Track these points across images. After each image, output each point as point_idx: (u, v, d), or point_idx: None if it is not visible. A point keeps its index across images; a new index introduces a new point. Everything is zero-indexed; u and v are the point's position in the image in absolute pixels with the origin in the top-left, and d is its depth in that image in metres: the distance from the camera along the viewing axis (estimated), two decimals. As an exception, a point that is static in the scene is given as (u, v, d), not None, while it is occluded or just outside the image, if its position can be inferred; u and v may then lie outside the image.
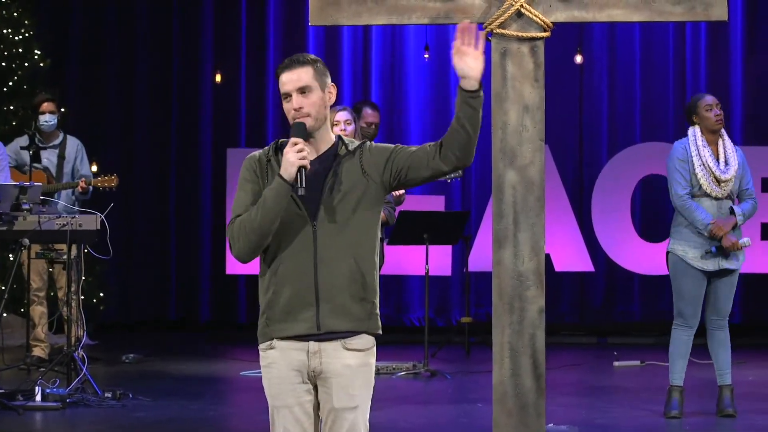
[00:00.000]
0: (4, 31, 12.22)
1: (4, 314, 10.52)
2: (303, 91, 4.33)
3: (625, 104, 13.45)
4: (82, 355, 8.96)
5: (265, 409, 4.42)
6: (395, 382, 10.08)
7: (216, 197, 13.64)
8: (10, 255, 9.68)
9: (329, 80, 4.40)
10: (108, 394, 8.77)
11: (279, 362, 4.33)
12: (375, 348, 4.41)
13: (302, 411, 4.34)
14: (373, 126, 9.36)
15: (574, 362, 11.43)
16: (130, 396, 8.87)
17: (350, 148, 4.39)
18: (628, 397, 9.33)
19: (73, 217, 9.10)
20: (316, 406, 4.37)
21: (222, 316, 13.81)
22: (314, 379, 4.33)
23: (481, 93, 4.25)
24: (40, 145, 10.48)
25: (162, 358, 11.51)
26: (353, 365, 4.31)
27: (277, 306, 4.32)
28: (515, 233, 5.96)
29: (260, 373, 4.42)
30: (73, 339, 9.12)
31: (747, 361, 10.60)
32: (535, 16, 5.92)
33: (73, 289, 9.37)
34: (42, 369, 9.47)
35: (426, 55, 13.16)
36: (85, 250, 9.45)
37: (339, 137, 4.44)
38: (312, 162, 4.34)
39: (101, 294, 12.54)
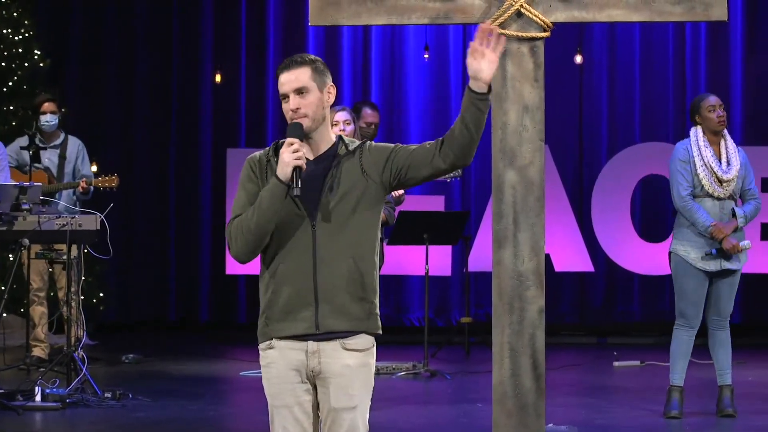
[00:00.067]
0: (4, 31, 12.22)
1: (4, 314, 10.52)
2: (300, 91, 4.32)
3: (625, 104, 13.45)
4: (82, 356, 8.96)
5: (264, 409, 4.42)
6: (395, 382, 10.08)
7: (216, 197, 13.64)
8: (10, 255, 9.68)
9: (329, 80, 4.39)
10: (108, 395, 8.77)
11: (278, 362, 4.33)
12: (375, 348, 4.40)
13: (301, 411, 4.34)
14: (373, 126, 9.36)
15: (574, 362, 11.43)
16: (130, 396, 8.87)
17: (350, 147, 4.38)
18: (628, 398, 9.33)
19: (72, 217, 9.10)
20: (316, 406, 4.37)
21: (222, 316, 13.81)
22: (313, 379, 4.33)
23: (489, 96, 4.23)
24: (41, 145, 10.48)
25: (162, 359, 11.51)
26: (352, 365, 4.31)
27: (277, 306, 4.32)
28: (515, 233, 5.96)
29: (260, 373, 4.42)
30: (72, 339, 9.12)
31: (747, 361, 10.60)
32: (535, 16, 5.92)
33: (73, 289, 9.37)
34: (42, 369, 9.46)
35: (426, 56, 13.16)
36: (85, 250, 9.45)
37: (339, 137, 4.43)
38: (311, 162, 4.34)
39: (101, 294, 12.54)
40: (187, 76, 13.76)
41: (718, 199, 8.18)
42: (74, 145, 10.78)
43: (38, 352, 10.37)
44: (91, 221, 9.07)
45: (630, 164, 13.10)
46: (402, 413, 8.60)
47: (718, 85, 12.90)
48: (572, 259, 13.07)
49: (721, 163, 8.17)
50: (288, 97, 4.33)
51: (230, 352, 11.92)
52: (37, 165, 10.34)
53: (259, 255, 4.37)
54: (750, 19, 13.33)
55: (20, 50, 12.27)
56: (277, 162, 4.30)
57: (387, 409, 8.53)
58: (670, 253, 8.30)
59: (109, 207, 9.24)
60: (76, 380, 8.80)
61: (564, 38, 12.48)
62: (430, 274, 10.82)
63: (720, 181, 8.15)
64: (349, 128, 7.98)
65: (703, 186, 8.13)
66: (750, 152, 8.52)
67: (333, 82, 4.43)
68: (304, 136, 4.31)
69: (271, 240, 4.31)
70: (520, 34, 5.88)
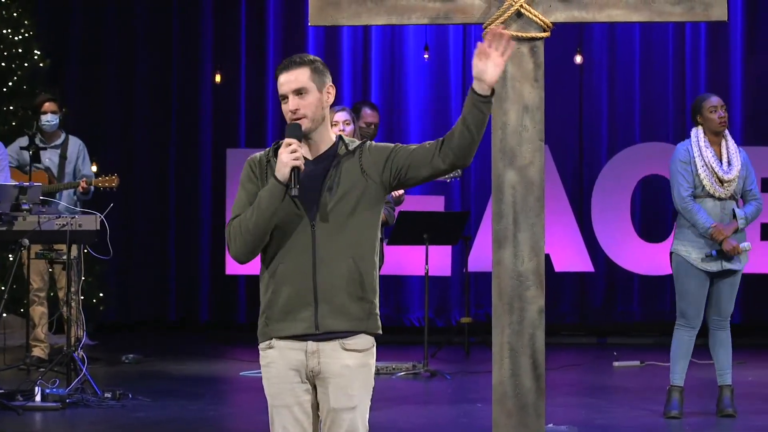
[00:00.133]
0: (4, 31, 12.22)
1: (4, 314, 10.52)
2: (299, 92, 4.32)
3: (625, 104, 13.45)
4: (82, 356, 8.96)
5: (264, 409, 4.43)
6: (395, 382, 10.08)
7: (216, 197, 13.64)
8: (10, 255, 9.68)
9: (328, 80, 4.38)
10: (108, 395, 8.77)
11: (278, 362, 4.33)
12: (375, 348, 4.40)
13: (301, 410, 4.34)
14: (373, 126, 9.36)
15: (574, 362, 11.43)
16: (130, 396, 8.87)
17: (350, 147, 4.38)
18: (628, 398, 9.33)
19: (72, 218, 9.10)
20: (316, 406, 4.37)
21: (222, 316, 13.81)
22: (313, 379, 4.33)
23: (492, 99, 4.23)
24: (42, 145, 10.48)
25: (162, 359, 11.51)
26: (352, 366, 4.31)
27: (276, 306, 4.32)
28: (515, 233, 5.96)
29: (260, 373, 4.43)
30: (72, 339, 9.12)
31: (747, 361, 10.60)
32: (535, 16, 5.92)
33: (73, 289, 9.37)
34: (42, 369, 9.46)
35: (426, 56, 13.16)
36: (85, 251, 9.45)
37: (339, 137, 4.43)
38: (311, 162, 4.34)
39: (101, 294, 12.54)
40: (187, 76, 13.77)
41: (719, 199, 8.18)
42: (75, 145, 10.78)
43: (38, 352, 10.37)
44: (91, 221, 9.07)
45: (630, 164, 13.10)
46: (402, 413, 8.60)
47: (717, 85, 12.90)
48: (572, 259, 13.07)
49: (722, 163, 8.18)
50: (287, 98, 4.33)
51: (230, 352, 11.92)
52: (37, 165, 10.35)
53: (260, 255, 4.37)
54: (750, 19, 13.33)
55: (20, 50, 12.27)
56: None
57: (387, 409, 8.53)
58: (671, 253, 8.30)
59: (109, 207, 9.24)
60: (76, 380, 8.80)
61: (564, 38, 12.48)
62: (430, 274, 10.82)
63: (721, 182, 8.15)
64: (349, 128, 7.98)
65: (704, 186, 8.13)
66: (750, 152, 8.52)
67: (333, 82, 4.43)
68: (303, 136, 4.30)
69: (271, 240, 4.31)
70: (520, 34, 5.88)
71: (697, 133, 8.24)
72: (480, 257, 12.36)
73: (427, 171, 4.32)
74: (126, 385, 9.31)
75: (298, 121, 4.30)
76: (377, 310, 4.38)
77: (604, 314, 13.48)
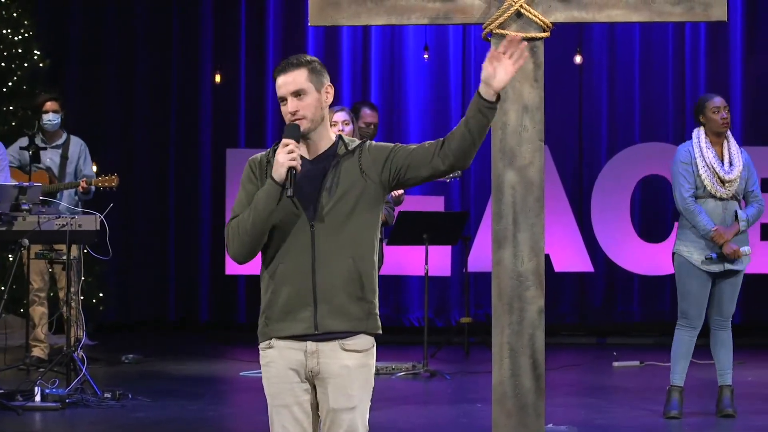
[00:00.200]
0: (4, 31, 12.22)
1: (4, 314, 10.52)
2: (298, 94, 4.32)
3: (625, 104, 13.45)
4: (82, 356, 8.96)
5: (264, 409, 4.43)
6: (395, 382, 10.09)
7: (215, 197, 13.64)
8: (10, 255, 9.68)
9: (326, 80, 4.38)
10: (107, 395, 8.76)
11: (277, 361, 4.33)
12: (375, 348, 4.40)
13: (301, 410, 4.34)
14: (372, 126, 9.36)
15: (574, 362, 11.43)
16: (130, 396, 8.87)
17: (350, 147, 4.38)
18: (628, 398, 9.33)
19: (72, 218, 9.10)
20: (316, 406, 4.37)
21: (221, 316, 13.81)
22: (312, 379, 4.34)
23: (497, 105, 4.22)
24: (43, 144, 10.49)
25: (161, 359, 11.51)
26: (351, 366, 4.31)
27: (276, 306, 4.32)
28: (515, 233, 5.96)
29: (260, 373, 4.43)
30: (72, 339, 9.12)
31: (747, 361, 10.60)
32: (535, 16, 5.92)
33: (72, 289, 9.37)
34: (41, 369, 9.46)
35: (425, 56, 13.16)
36: (85, 251, 9.45)
37: (339, 137, 4.43)
38: (311, 162, 4.34)
39: (101, 294, 12.53)
40: (187, 76, 13.77)
41: (721, 199, 8.19)
42: (76, 145, 10.78)
43: (38, 352, 10.37)
44: (91, 221, 9.07)
45: (630, 164, 13.10)
46: (402, 413, 8.60)
47: (717, 85, 12.90)
48: (572, 259, 13.07)
49: (723, 163, 8.18)
50: (286, 99, 4.33)
51: (230, 352, 11.92)
52: (38, 165, 10.35)
53: (260, 255, 4.37)
54: (750, 19, 13.33)
55: (20, 50, 12.27)
56: (276, 163, 4.30)
57: (387, 409, 8.53)
58: (673, 254, 8.31)
59: (108, 207, 9.24)
60: (76, 380, 8.80)
61: (564, 38, 12.48)
62: (429, 274, 10.82)
63: (722, 182, 8.15)
64: (348, 128, 7.99)
65: (705, 187, 8.14)
66: (750, 152, 8.52)
67: (332, 82, 4.43)
68: (301, 137, 4.31)
69: (271, 240, 4.31)
70: (519, 34, 5.87)
71: (699, 134, 8.24)
72: (480, 257, 12.36)
73: (426, 171, 4.32)
74: (126, 385, 9.31)
75: (297, 122, 4.30)
76: (377, 310, 4.38)
77: (603, 314, 13.48)
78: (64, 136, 10.78)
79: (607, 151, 13.40)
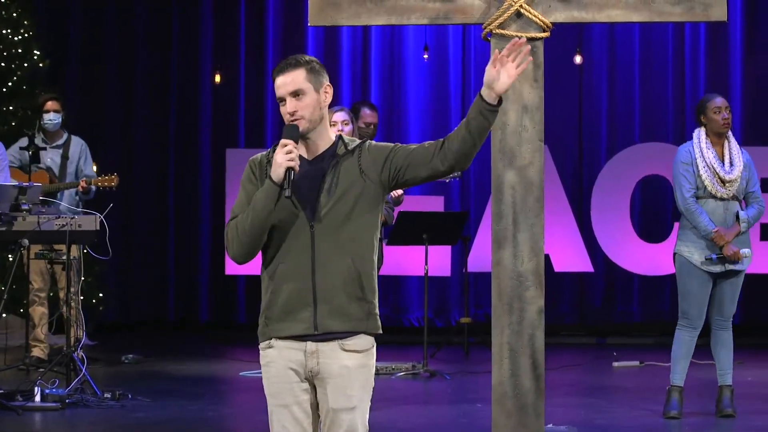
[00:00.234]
0: (4, 31, 12.22)
1: (4, 314, 10.52)
2: (296, 94, 4.32)
3: (625, 104, 13.45)
4: (82, 356, 8.96)
5: (264, 409, 4.43)
6: (394, 382, 10.09)
7: (215, 197, 13.65)
8: (10, 255, 9.68)
9: (325, 80, 4.38)
10: (107, 395, 8.76)
11: (277, 361, 4.34)
12: (375, 348, 4.40)
13: (301, 410, 4.34)
14: (372, 126, 9.36)
15: (574, 363, 11.43)
16: (130, 396, 8.87)
17: (349, 147, 4.38)
18: (628, 398, 9.33)
19: (72, 218, 9.10)
20: (316, 406, 4.37)
21: (221, 316, 13.81)
22: (312, 379, 4.34)
23: (499, 109, 4.22)
24: (43, 144, 10.49)
25: (161, 359, 11.51)
26: (351, 366, 4.31)
27: (276, 306, 4.32)
28: (514, 234, 5.96)
29: (260, 373, 4.43)
30: (72, 339, 9.12)
31: (746, 361, 10.60)
32: (535, 16, 5.93)
33: (72, 289, 9.37)
34: (41, 369, 9.46)
35: (425, 56, 13.16)
36: (85, 251, 9.45)
37: (339, 136, 4.43)
38: (310, 162, 4.34)
39: (101, 294, 12.53)
40: (187, 77, 13.77)
41: (721, 199, 8.19)
42: (77, 145, 10.78)
43: (38, 352, 10.36)
44: (91, 222, 9.07)
45: (629, 164, 13.10)
46: (402, 413, 8.60)
47: (717, 85, 12.90)
48: (572, 259, 13.07)
49: (723, 163, 8.18)
50: (284, 100, 4.33)
51: (230, 352, 11.92)
52: (39, 165, 10.35)
53: (261, 255, 4.38)
54: (749, 19, 13.33)
55: (20, 50, 12.27)
56: (276, 163, 4.30)
57: (387, 409, 8.53)
58: (674, 254, 8.31)
59: (108, 207, 9.24)
60: (76, 380, 8.80)
61: (563, 38, 12.48)
62: (429, 274, 10.82)
63: (723, 182, 8.15)
64: (347, 128, 7.99)
65: (705, 187, 8.14)
66: (749, 152, 8.52)
67: (332, 82, 4.43)
68: (300, 137, 4.31)
69: (271, 240, 4.31)
70: (519, 34, 5.88)
71: (699, 134, 8.25)
72: (479, 257, 12.37)
73: (425, 172, 4.32)
74: (125, 385, 9.31)
75: (295, 123, 4.30)
76: (377, 311, 4.38)
77: (603, 314, 13.48)
78: (65, 135, 10.78)
79: (606, 151, 13.40)
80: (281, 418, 4.34)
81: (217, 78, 13.52)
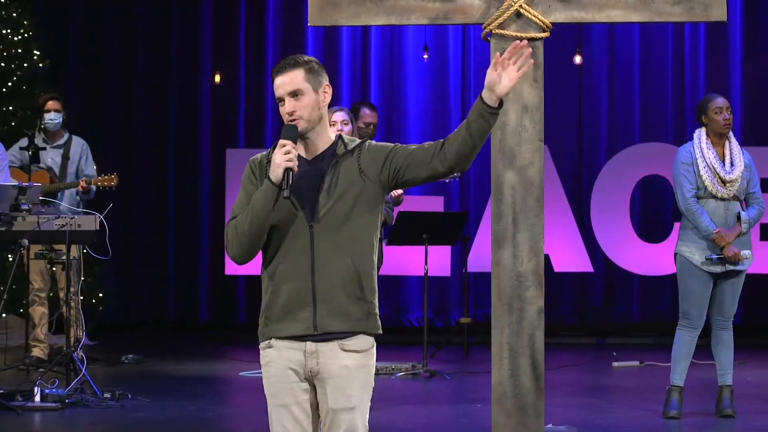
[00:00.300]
0: (3, 31, 12.21)
1: (3, 314, 10.52)
2: (295, 94, 4.32)
3: (625, 105, 13.45)
4: (81, 356, 8.96)
5: (264, 409, 4.43)
6: (394, 382, 10.09)
7: (215, 198, 13.65)
8: (9, 255, 9.68)
9: (324, 80, 4.38)
10: (107, 395, 8.77)
11: (277, 361, 4.34)
12: (375, 348, 4.40)
13: (300, 410, 4.35)
14: (371, 126, 9.36)
15: (573, 363, 11.43)
16: (129, 396, 8.87)
17: (349, 147, 4.38)
18: (628, 398, 9.33)
19: (72, 218, 9.10)
20: (316, 406, 4.38)
21: (221, 316, 13.81)
22: (312, 379, 4.34)
23: (499, 111, 4.22)
24: (43, 144, 10.49)
25: (161, 359, 11.51)
26: (350, 366, 4.31)
27: (276, 306, 4.32)
28: (514, 234, 5.96)
29: (260, 373, 4.43)
30: (72, 339, 9.12)
31: (747, 361, 10.60)
32: (534, 16, 5.93)
33: (72, 289, 9.37)
34: (41, 369, 9.46)
35: (425, 56, 13.16)
36: (84, 251, 9.45)
37: (339, 136, 4.43)
38: (309, 162, 4.34)
39: (100, 294, 12.53)
40: (187, 77, 13.77)
41: (722, 199, 8.19)
42: (78, 145, 10.78)
43: (38, 352, 10.36)
44: (90, 222, 9.07)
45: (629, 164, 13.10)
46: (401, 413, 8.60)
47: (717, 85, 12.89)
48: (571, 259, 13.07)
49: (724, 164, 8.18)
50: (283, 100, 4.33)
51: (230, 353, 11.92)
52: (39, 165, 10.35)
53: (261, 255, 4.38)
54: (749, 19, 13.33)
55: (19, 50, 12.27)
56: (276, 163, 4.30)
57: (386, 409, 8.53)
58: (675, 254, 8.31)
59: (108, 207, 9.25)
60: (76, 380, 8.80)
61: (563, 38, 12.48)
62: (429, 274, 10.82)
63: (723, 182, 8.16)
64: (347, 128, 7.99)
65: (706, 187, 8.14)
66: (749, 153, 8.52)
67: (331, 82, 4.43)
68: (299, 137, 4.31)
69: (271, 240, 4.32)
70: (519, 34, 5.88)
71: (700, 135, 8.25)
72: (479, 257, 12.37)
73: (425, 173, 4.32)
74: (125, 385, 9.31)
75: (294, 123, 4.30)
76: (376, 311, 4.38)
77: (603, 314, 13.48)
78: (66, 135, 10.78)
79: (606, 151, 13.40)
80: (281, 417, 4.35)
81: (217, 78, 13.53)
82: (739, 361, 8.81)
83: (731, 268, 8.17)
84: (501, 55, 4.20)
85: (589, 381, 10.55)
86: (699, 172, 8.15)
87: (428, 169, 4.30)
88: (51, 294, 10.76)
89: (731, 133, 8.31)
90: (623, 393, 9.64)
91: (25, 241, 8.98)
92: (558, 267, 12.90)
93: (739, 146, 8.32)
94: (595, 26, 13.04)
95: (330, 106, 4.49)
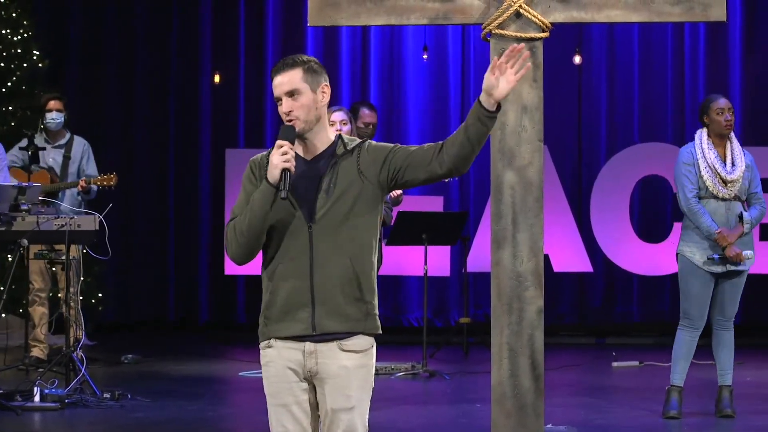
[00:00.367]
0: (3, 31, 12.21)
1: (3, 314, 10.52)
2: (292, 94, 4.31)
3: (624, 105, 13.45)
4: (81, 356, 8.96)
5: (264, 409, 4.43)
6: (394, 382, 10.09)
7: (215, 198, 13.65)
8: (9, 256, 9.68)
9: (323, 80, 4.37)
10: (107, 395, 8.77)
11: (276, 361, 4.34)
12: (374, 348, 4.40)
13: (300, 410, 4.35)
14: (371, 126, 9.36)
15: (573, 363, 11.43)
16: (129, 396, 8.87)
17: (348, 147, 4.38)
18: (627, 398, 9.33)
19: (71, 218, 9.10)
20: (316, 406, 4.38)
21: (221, 316, 13.81)
22: (311, 379, 4.34)
23: (497, 115, 4.22)
24: (44, 144, 10.49)
25: (161, 359, 11.51)
26: (350, 366, 4.31)
27: (275, 306, 4.33)
28: (514, 234, 5.96)
29: (259, 373, 4.44)
30: (71, 339, 9.12)
31: (747, 361, 10.60)
32: (534, 16, 5.93)
33: (72, 289, 9.37)
34: (41, 369, 9.46)
35: (425, 56, 13.16)
36: (84, 251, 9.45)
37: (339, 136, 4.43)
38: (308, 162, 4.34)
39: (100, 294, 12.53)
40: (187, 77, 13.77)
41: (723, 199, 8.19)
42: (79, 145, 10.78)
43: (37, 352, 10.37)
44: (90, 222, 9.08)
45: (629, 165, 13.10)
46: (401, 413, 8.60)
47: (717, 85, 12.90)
48: (571, 259, 13.07)
49: (725, 164, 8.18)
50: (281, 100, 4.33)
51: (230, 353, 11.92)
52: (40, 165, 10.35)
53: (261, 255, 4.38)
54: (749, 19, 13.33)
55: (19, 51, 12.27)
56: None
57: (386, 409, 8.53)
58: (677, 254, 8.31)
59: (108, 207, 9.25)
60: (75, 380, 8.80)
61: (563, 39, 12.47)
62: (428, 274, 10.83)
63: (724, 182, 8.16)
64: (346, 128, 7.98)
65: (707, 187, 8.15)
66: (749, 152, 8.53)
67: (331, 82, 4.42)
68: (297, 137, 4.31)
69: (270, 241, 4.32)
70: (518, 34, 5.89)
71: (701, 135, 8.26)
72: (479, 257, 12.36)
73: (423, 174, 4.31)
74: (125, 385, 9.31)
75: (291, 123, 4.30)
76: (376, 311, 4.38)
77: (603, 314, 13.48)
78: (68, 135, 10.78)
79: (606, 151, 13.40)
80: (281, 417, 4.35)
81: (217, 78, 13.53)
82: (738, 361, 8.81)
83: (732, 268, 8.17)
84: (498, 59, 4.20)
85: (588, 381, 10.55)
86: (700, 172, 8.15)
87: (427, 171, 4.30)
88: (51, 294, 10.76)
89: (733, 134, 8.31)
90: (623, 393, 9.64)
91: (25, 241, 8.98)
92: (557, 267, 12.90)
93: (740, 147, 8.32)
94: (595, 26, 13.04)
95: (329, 106, 4.49)
